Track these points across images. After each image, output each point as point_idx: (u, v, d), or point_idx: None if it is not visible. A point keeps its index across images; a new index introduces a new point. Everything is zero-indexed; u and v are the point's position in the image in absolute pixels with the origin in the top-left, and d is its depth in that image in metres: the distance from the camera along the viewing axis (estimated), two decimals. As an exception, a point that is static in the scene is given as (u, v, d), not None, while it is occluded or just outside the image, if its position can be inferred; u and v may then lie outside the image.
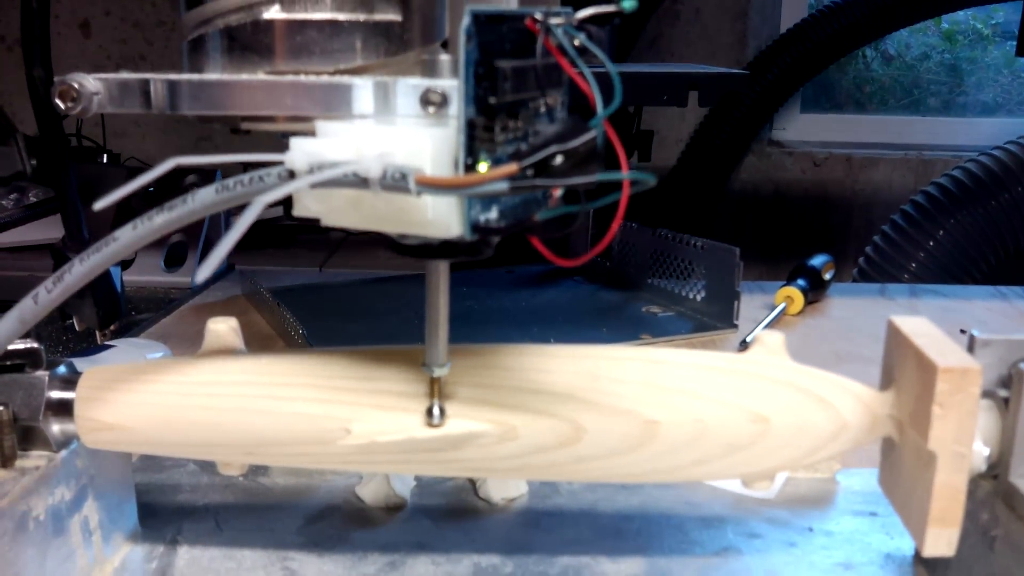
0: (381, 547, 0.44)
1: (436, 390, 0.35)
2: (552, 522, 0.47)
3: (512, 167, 0.27)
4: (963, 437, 0.34)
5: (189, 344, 0.76)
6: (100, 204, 0.27)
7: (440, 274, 0.34)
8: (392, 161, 0.26)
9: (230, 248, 0.25)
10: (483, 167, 0.27)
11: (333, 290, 0.96)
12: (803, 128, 1.92)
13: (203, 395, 0.37)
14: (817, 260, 0.92)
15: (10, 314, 0.33)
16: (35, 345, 0.38)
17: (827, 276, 0.91)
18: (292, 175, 0.27)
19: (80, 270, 0.32)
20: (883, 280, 1.47)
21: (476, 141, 0.27)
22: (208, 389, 0.37)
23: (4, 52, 1.81)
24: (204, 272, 0.25)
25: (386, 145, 0.27)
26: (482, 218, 0.28)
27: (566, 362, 0.37)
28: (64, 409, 0.38)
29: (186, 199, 0.29)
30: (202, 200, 0.29)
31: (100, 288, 0.68)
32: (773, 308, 0.85)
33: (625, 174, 0.27)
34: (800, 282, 0.88)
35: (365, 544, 0.44)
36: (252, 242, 1.36)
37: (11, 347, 0.38)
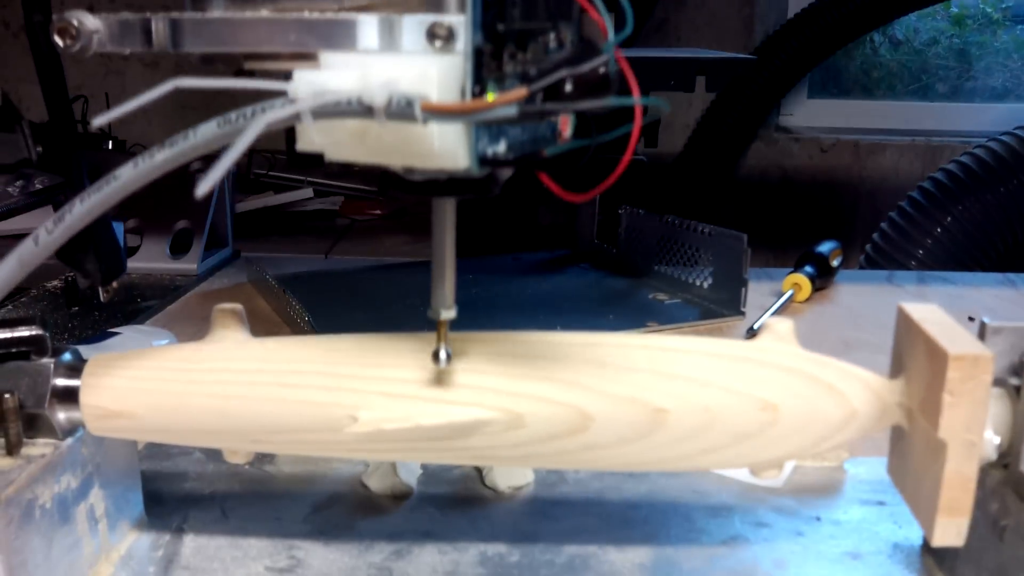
0: (388, 535, 0.44)
1: (443, 334, 0.35)
2: (559, 511, 0.47)
3: (521, 91, 0.26)
4: (974, 425, 0.33)
5: (194, 331, 0.76)
6: (99, 120, 0.26)
7: (446, 213, 0.33)
8: (398, 89, 0.26)
9: (232, 164, 0.25)
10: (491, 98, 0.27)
11: (339, 277, 0.96)
12: (810, 114, 1.91)
13: (209, 382, 0.37)
14: (825, 247, 0.91)
15: (10, 256, 0.32)
16: (40, 332, 0.38)
17: (835, 263, 0.91)
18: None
19: (81, 210, 0.31)
20: (890, 267, 1.47)
21: (483, 69, 0.27)
22: (214, 376, 0.37)
23: (10, 39, 1.80)
24: (205, 186, 0.24)
25: (392, 73, 0.26)
26: (490, 151, 0.27)
27: (573, 349, 0.37)
28: (70, 396, 0.38)
29: (187, 133, 0.28)
30: (204, 134, 0.28)
31: (102, 243, 0.67)
32: (780, 295, 0.85)
33: (637, 99, 0.27)
34: (807, 269, 0.88)
35: (372, 532, 0.44)
36: (257, 229, 1.35)
37: (16, 334, 0.38)
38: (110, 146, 1.29)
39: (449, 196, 0.32)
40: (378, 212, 1.53)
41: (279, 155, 1.64)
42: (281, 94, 0.27)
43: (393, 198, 1.60)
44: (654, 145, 0.98)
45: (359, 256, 1.19)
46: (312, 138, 0.28)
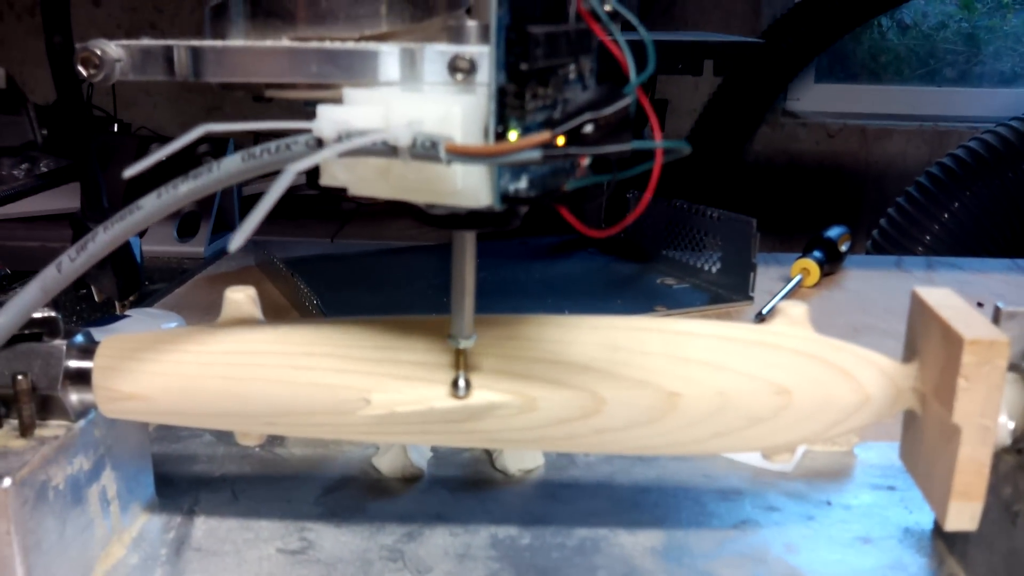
0: (398, 518, 0.44)
1: (462, 362, 0.35)
2: (569, 494, 0.47)
3: (544, 135, 0.26)
4: (988, 410, 0.33)
5: (202, 314, 0.76)
6: (130, 172, 0.27)
7: (467, 244, 0.34)
8: (422, 129, 0.26)
9: (263, 216, 0.25)
10: (513, 135, 0.27)
11: (346, 261, 0.96)
12: (817, 99, 1.90)
13: (222, 365, 0.37)
14: (833, 232, 0.91)
15: (32, 283, 0.33)
16: (52, 314, 0.38)
17: (843, 248, 0.91)
18: (320, 143, 0.27)
19: (104, 239, 0.31)
20: (897, 252, 1.47)
21: (507, 108, 0.27)
22: (227, 359, 0.37)
23: (14, 21, 1.80)
24: (237, 242, 0.25)
25: (415, 113, 0.26)
26: (512, 187, 0.28)
27: (586, 333, 0.37)
28: (82, 378, 0.38)
29: (211, 167, 0.29)
30: (227, 169, 0.29)
31: (120, 258, 0.67)
32: (789, 280, 0.85)
33: (658, 143, 0.27)
34: (816, 254, 0.88)
35: (382, 515, 0.44)
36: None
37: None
38: (116, 129, 1.29)
39: (469, 229, 0.33)
40: (384, 196, 1.53)
41: (285, 138, 1.64)
42: (305, 132, 0.27)
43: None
44: (661, 129, 0.98)
45: (365, 240, 1.19)
46: (336, 174, 0.29)
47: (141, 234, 0.95)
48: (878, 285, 0.89)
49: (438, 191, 0.27)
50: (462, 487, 0.47)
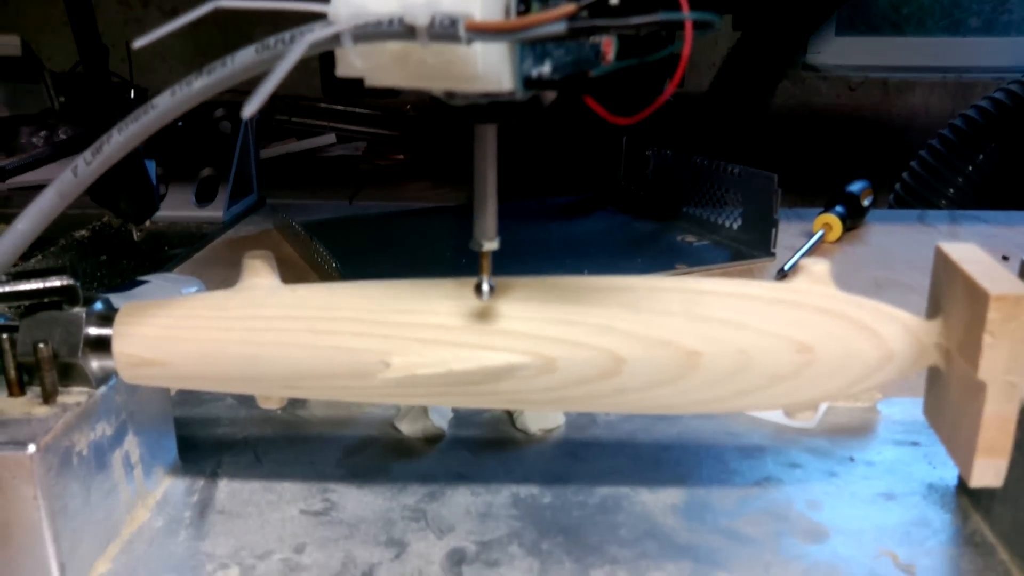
0: (420, 478, 0.44)
1: (486, 266, 0.35)
2: (590, 453, 0.47)
3: (569, 7, 0.25)
4: (1015, 366, 0.33)
5: (222, 278, 0.76)
6: (139, 42, 0.26)
7: (488, 141, 0.33)
8: (440, 8, 0.25)
9: (276, 85, 0.24)
10: None
11: (364, 223, 0.96)
12: (838, 51, 1.87)
13: (241, 329, 0.37)
14: (855, 186, 0.90)
15: (49, 188, 0.32)
16: (72, 282, 0.38)
17: (866, 202, 0.90)
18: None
19: (119, 139, 0.30)
20: (919, 206, 1.45)
21: None
22: (246, 323, 0.37)
23: (28, -12, 1.79)
24: (251, 108, 0.24)
25: None
26: (534, 72, 0.27)
27: (606, 293, 0.37)
28: (102, 345, 0.38)
29: (225, 60, 0.28)
30: (242, 61, 0.28)
31: (135, 182, 0.66)
32: (811, 235, 0.84)
33: (687, 14, 0.26)
34: (838, 209, 0.87)
35: (405, 475, 0.45)
36: (280, 176, 1.35)
37: (48, 284, 0.38)
38: (133, 95, 1.29)
39: (491, 122, 0.31)
40: (401, 157, 1.52)
41: (302, 101, 1.63)
42: (320, 17, 0.26)
43: (416, 143, 1.59)
44: (680, 84, 0.97)
45: (384, 202, 1.19)
46: (352, 62, 0.27)
47: (161, 197, 0.95)
48: (901, 240, 0.88)
49: (458, 76, 0.26)
50: (483, 447, 0.47)
